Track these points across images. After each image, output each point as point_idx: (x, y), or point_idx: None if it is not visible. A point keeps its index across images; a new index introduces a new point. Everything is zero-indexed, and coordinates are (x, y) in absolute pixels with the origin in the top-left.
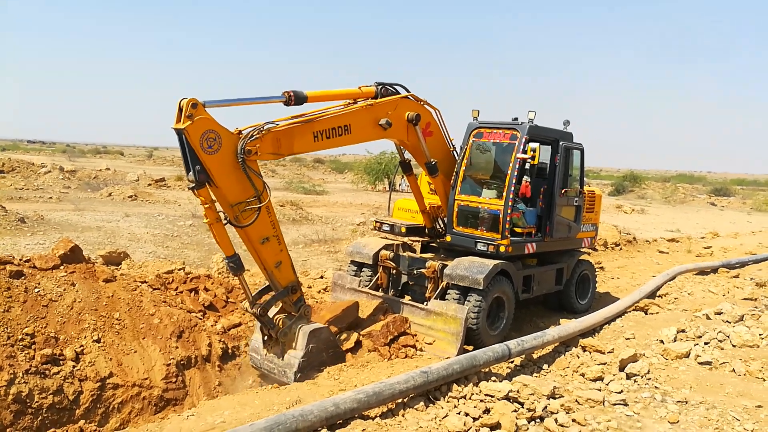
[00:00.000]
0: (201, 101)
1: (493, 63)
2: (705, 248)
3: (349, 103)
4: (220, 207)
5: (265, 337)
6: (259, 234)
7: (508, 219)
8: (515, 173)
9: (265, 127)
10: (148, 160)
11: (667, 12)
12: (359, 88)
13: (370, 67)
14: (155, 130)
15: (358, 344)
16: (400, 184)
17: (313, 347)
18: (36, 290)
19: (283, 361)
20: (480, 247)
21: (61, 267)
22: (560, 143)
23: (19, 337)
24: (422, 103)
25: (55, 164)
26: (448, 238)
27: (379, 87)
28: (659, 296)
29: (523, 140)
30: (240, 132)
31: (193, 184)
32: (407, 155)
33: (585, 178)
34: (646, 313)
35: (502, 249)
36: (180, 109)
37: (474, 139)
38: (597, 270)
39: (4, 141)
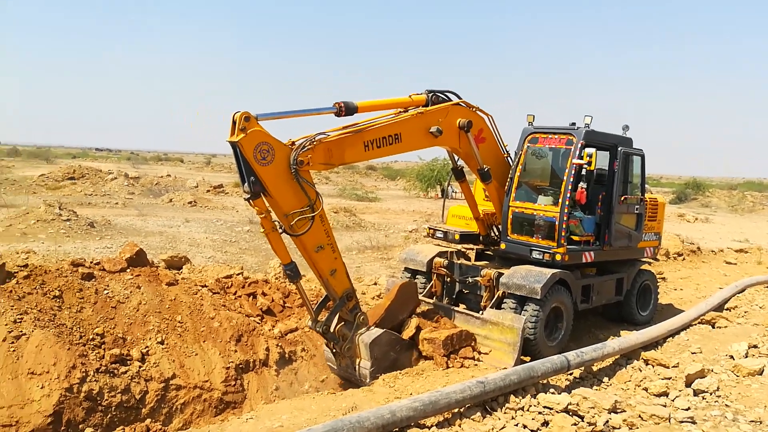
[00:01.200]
0: (254, 114)
1: (545, 64)
2: None
3: (400, 112)
4: (276, 216)
5: (334, 351)
6: (314, 242)
7: (564, 226)
8: (571, 179)
9: (316, 138)
10: (207, 167)
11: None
12: (410, 96)
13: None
14: (213, 137)
15: (418, 330)
16: (453, 192)
17: (377, 354)
18: (105, 292)
19: (358, 372)
20: (535, 255)
21: (128, 270)
22: (619, 149)
23: (91, 336)
24: (474, 109)
25: (121, 171)
26: (503, 246)
27: (430, 94)
28: (727, 309)
29: (579, 145)
30: (293, 143)
31: (249, 195)
32: (460, 162)
33: (646, 185)
34: (713, 327)
35: (558, 257)
36: (234, 122)
37: (529, 144)
38: (659, 281)
39: (75, 149)
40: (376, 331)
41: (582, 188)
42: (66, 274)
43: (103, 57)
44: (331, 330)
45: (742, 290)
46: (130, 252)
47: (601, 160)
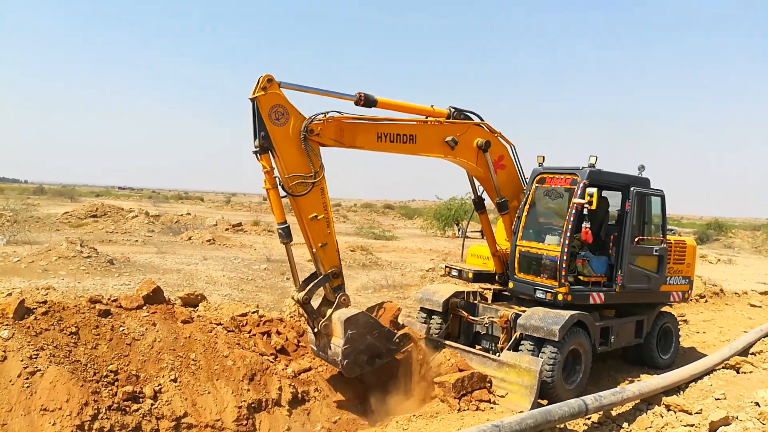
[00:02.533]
0: (277, 80)
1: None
2: None
3: (420, 121)
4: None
5: (315, 330)
6: (310, 209)
7: (564, 266)
8: (571, 218)
9: (329, 114)
10: (227, 206)
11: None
12: (431, 106)
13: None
14: (233, 176)
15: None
16: (468, 230)
17: (352, 333)
18: (121, 329)
19: (332, 351)
20: (539, 294)
21: (144, 307)
22: (632, 189)
23: (104, 373)
24: (496, 134)
25: (142, 209)
26: (511, 285)
27: (453, 110)
28: (753, 354)
29: (582, 185)
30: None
31: (257, 150)
32: (481, 192)
33: (676, 228)
34: (738, 372)
35: (560, 297)
36: (258, 82)
37: (537, 184)
38: (680, 323)
39: (98, 188)
40: (353, 311)
41: (586, 227)
42: (83, 310)
43: (129, 101)
44: (312, 305)
45: None
46: (147, 289)
47: (614, 200)
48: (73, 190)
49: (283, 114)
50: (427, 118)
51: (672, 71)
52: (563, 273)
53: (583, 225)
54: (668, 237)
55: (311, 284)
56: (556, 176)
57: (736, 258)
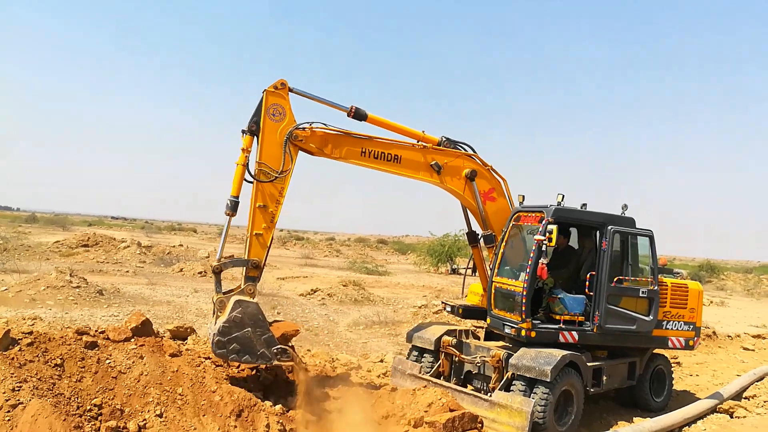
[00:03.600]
0: (289, 85)
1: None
2: None
3: (407, 144)
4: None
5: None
6: (263, 198)
7: (524, 301)
8: (531, 255)
9: (312, 124)
10: (219, 238)
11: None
12: (422, 131)
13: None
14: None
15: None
16: (460, 267)
17: (236, 316)
18: (107, 362)
19: (213, 326)
20: (507, 330)
21: (132, 340)
22: (608, 227)
23: (88, 407)
24: (488, 167)
25: (134, 239)
26: (488, 321)
27: (444, 139)
28: (746, 398)
29: (545, 222)
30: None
31: (246, 130)
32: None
33: (682, 271)
34: (731, 417)
35: (523, 333)
36: (274, 82)
37: (513, 222)
38: (673, 365)
39: (91, 217)
40: (250, 299)
41: (542, 264)
42: (70, 342)
43: (120, 129)
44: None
45: (761, 378)
46: (136, 321)
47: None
48: (65, 218)
49: (280, 113)
50: (417, 142)
51: (669, 109)
52: (523, 308)
53: (540, 261)
54: (669, 280)
55: (231, 259)
56: (529, 214)
57: (729, 300)
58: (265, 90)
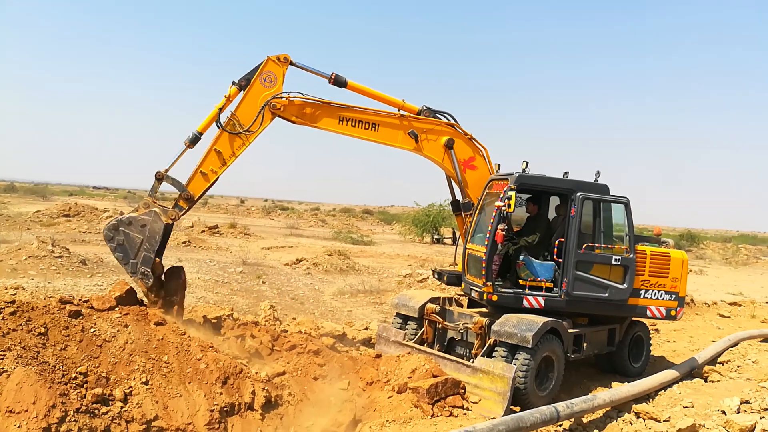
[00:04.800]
0: (291, 59)
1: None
2: None
3: (385, 113)
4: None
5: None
6: (222, 144)
7: (484, 266)
8: (491, 221)
9: (291, 93)
10: (203, 208)
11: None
12: (402, 100)
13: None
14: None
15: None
16: (445, 237)
17: (142, 220)
18: (92, 330)
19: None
20: (473, 294)
21: (116, 308)
22: (577, 194)
23: (73, 375)
24: (468, 136)
25: (117, 209)
26: (462, 286)
27: (425, 108)
28: (720, 363)
29: (506, 188)
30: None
31: (236, 83)
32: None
33: (669, 240)
34: (705, 381)
35: (485, 296)
36: (278, 54)
37: (487, 190)
38: (651, 332)
39: (72, 186)
40: (166, 220)
41: (499, 229)
42: (53, 311)
43: (105, 94)
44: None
45: (736, 344)
46: (120, 290)
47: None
48: (45, 188)
49: (272, 81)
50: (399, 111)
51: (664, 79)
52: (483, 272)
53: (498, 227)
54: (649, 248)
55: (174, 179)
56: (501, 182)
57: (708, 269)
58: (268, 56)
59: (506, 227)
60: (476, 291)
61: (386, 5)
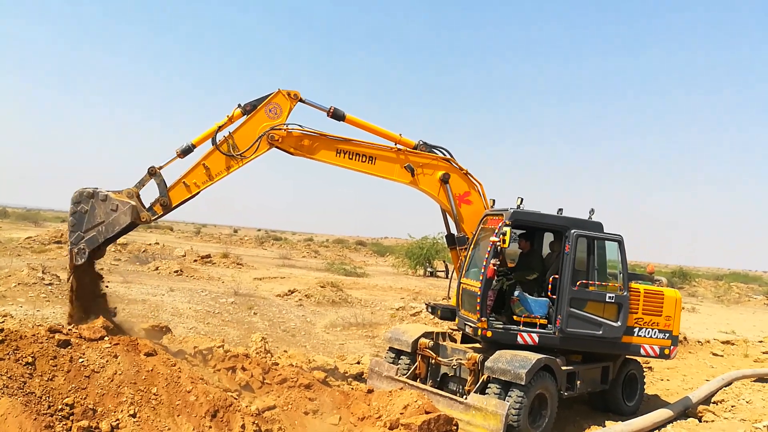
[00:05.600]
0: (301, 96)
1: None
2: (764, 353)
3: (382, 146)
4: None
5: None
6: (211, 162)
7: (478, 301)
8: (485, 256)
9: (289, 126)
10: (196, 237)
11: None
12: (399, 134)
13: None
14: (205, 207)
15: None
16: (436, 270)
17: (115, 205)
18: (80, 360)
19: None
20: (467, 329)
21: (106, 338)
22: (571, 231)
23: (59, 407)
24: (464, 171)
25: None
26: (456, 321)
27: (421, 143)
28: (714, 403)
29: (501, 224)
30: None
31: (242, 106)
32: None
33: (662, 278)
34: (700, 421)
35: (479, 332)
36: (289, 90)
37: (482, 225)
38: (645, 370)
39: (64, 213)
40: (137, 219)
41: (492, 264)
42: (41, 340)
43: (98, 121)
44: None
45: (729, 383)
46: (103, 322)
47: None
48: (37, 214)
49: (276, 114)
50: (396, 145)
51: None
52: (477, 308)
53: (491, 262)
54: (642, 286)
55: (162, 180)
56: (495, 217)
57: (700, 306)
58: (279, 89)
59: (499, 262)
60: (470, 326)
61: (385, 41)
